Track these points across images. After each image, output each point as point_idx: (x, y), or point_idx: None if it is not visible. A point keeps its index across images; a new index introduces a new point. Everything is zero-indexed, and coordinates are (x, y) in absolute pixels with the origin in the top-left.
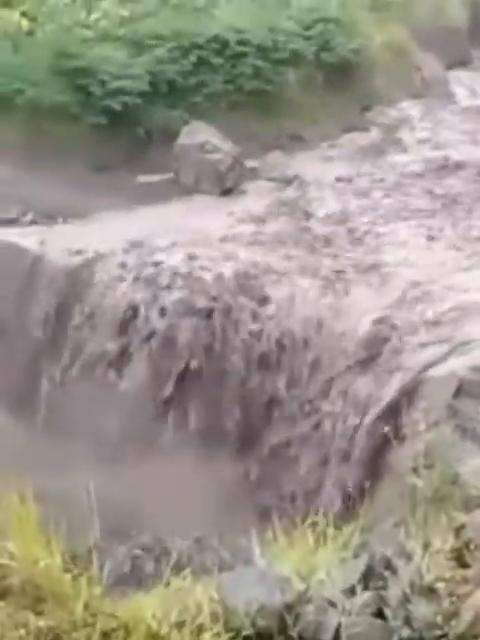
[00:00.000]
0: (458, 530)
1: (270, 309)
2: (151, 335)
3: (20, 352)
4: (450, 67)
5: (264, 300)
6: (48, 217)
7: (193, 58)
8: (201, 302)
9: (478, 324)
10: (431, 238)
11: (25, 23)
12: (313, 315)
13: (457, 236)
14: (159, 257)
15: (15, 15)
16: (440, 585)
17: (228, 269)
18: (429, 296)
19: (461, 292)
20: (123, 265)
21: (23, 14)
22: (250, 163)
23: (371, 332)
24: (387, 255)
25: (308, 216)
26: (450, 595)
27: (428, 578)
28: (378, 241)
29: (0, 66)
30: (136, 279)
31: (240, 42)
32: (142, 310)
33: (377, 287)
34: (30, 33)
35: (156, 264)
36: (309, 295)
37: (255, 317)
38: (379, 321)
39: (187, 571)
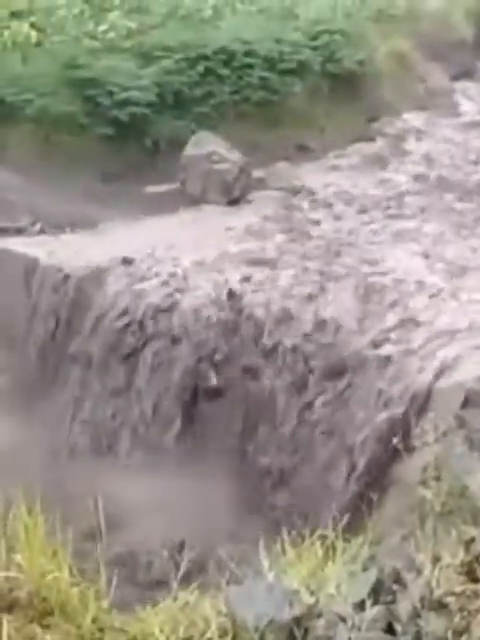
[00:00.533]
0: (468, 544)
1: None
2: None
3: (28, 363)
4: (455, 78)
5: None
6: (56, 227)
7: (200, 69)
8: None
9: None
10: (430, 265)
11: (34, 34)
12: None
13: (455, 259)
14: (146, 285)
15: (24, 26)
16: (451, 600)
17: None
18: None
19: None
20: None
21: (32, 25)
22: (257, 173)
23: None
24: (383, 280)
25: (307, 236)
26: (461, 610)
27: (438, 592)
28: (375, 268)
29: (9, 77)
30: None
31: (247, 53)
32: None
33: (369, 312)
34: (38, 44)
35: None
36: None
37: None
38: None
39: (195, 585)
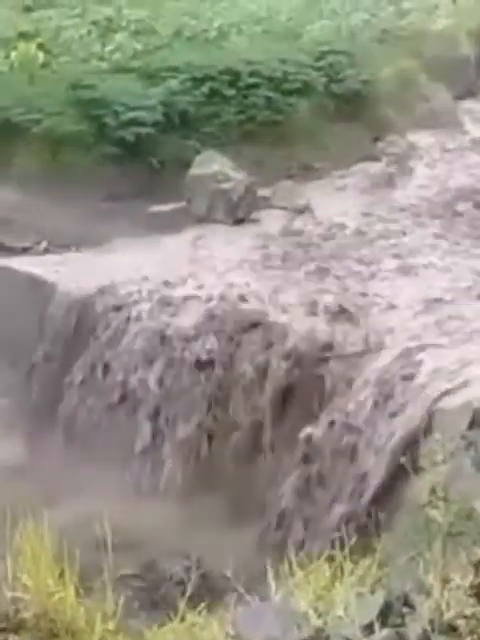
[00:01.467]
0: (478, 565)
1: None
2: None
3: (33, 385)
4: (459, 97)
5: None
6: (62, 246)
7: (206, 89)
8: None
9: None
10: (438, 300)
11: (40, 55)
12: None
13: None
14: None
15: (31, 47)
16: (461, 622)
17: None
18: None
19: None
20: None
21: (39, 46)
22: (262, 192)
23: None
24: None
25: (305, 265)
26: (471, 633)
27: (448, 615)
28: (374, 312)
29: (16, 97)
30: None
31: (252, 73)
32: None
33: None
34: (45, 65)
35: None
36: None
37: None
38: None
39: (202, 606)
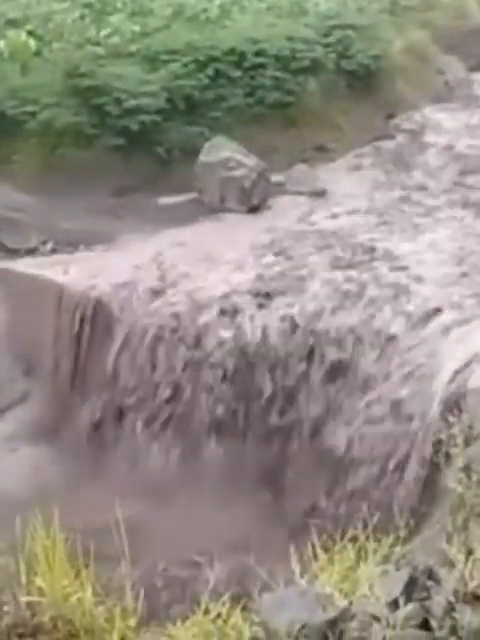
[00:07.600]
0: None
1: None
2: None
3: (50, 388)
4: (473, 69)
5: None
6: (69, 245)
7: (210, 72)
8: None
9: None
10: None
11: (32, 42)
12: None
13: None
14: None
15: (21, 34)
16: None
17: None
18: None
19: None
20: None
21: (29, 33)
22: (276, 177)
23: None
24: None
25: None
26: None
27: (472, 585)
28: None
29: (9, 88)
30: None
31: (258, 53)
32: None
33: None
34: (37, 53)
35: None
36: None
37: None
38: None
39: (226, 596)
